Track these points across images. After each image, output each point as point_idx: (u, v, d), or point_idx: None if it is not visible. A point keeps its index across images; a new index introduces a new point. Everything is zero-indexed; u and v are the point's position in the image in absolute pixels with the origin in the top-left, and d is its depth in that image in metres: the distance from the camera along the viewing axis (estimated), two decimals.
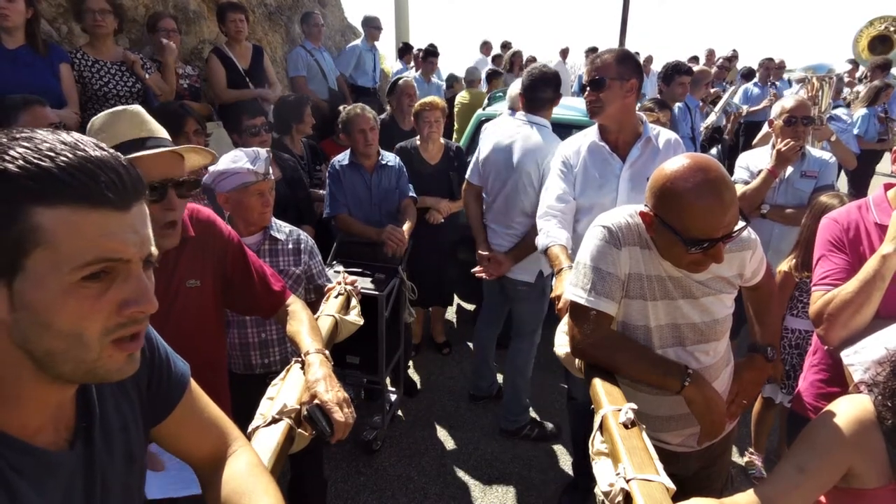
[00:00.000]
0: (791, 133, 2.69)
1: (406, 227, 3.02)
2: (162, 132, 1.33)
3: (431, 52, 6.52)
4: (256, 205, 1.96)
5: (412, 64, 6.88)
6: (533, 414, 3.26)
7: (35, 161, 0.60)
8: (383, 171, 3.12)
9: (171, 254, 1.41)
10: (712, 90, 5.93)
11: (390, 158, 3.16)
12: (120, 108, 1.31)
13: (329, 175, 3.11)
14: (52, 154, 0.61)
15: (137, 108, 1.33)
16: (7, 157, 0.59)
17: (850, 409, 1.19)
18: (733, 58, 8.81)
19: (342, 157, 3.13)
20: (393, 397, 3.15)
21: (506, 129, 2.84)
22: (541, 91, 2.76)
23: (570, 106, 4.68)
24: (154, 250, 0.70)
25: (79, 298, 0.63)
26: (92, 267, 0.62)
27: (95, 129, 1.29)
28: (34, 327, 0.62)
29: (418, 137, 3.46)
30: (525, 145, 2.74)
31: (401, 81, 4.22)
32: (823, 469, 1.16)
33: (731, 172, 2.97)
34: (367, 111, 3.04)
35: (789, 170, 2.77)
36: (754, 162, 2.87)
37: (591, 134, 2.23)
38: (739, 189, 2.70)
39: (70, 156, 0.61)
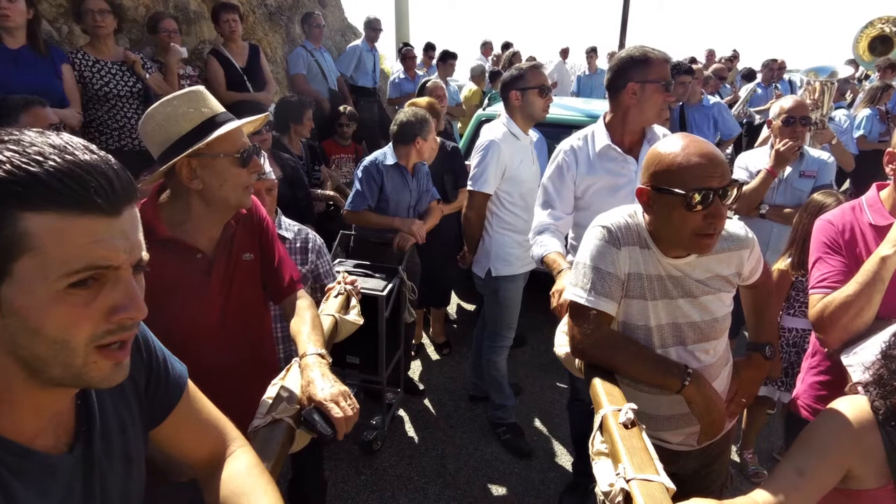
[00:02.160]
0: (789, 133, 2.70)
1: (427, 224, 3.10)
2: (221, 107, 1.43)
3: (451, 55, 6.54)
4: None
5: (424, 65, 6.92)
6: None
7: (23, 165, 0.59)
8: (418, 173, 3.13)
9: (230, 229, 1.47)
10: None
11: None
12: (192, 89, 1.37)
13: (366, 172, 2.99)
14: (39, 158, 0.60)
15: (202, 89, 1.39)
16: None
17: (848, 411, 1.19)
18: (734, 58, 8.81)
19: (383, 157, 3.02)
20: (393, 397, 3.15)
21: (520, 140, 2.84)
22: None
23: (570, 106, 4.70)
24: (145, 255, 0.69)
25: (67, 305, 0.62)
26: (80, 274, 0.62)
27: (172, 111, 1.32)
28: (23, 333, 0.62)
29: None
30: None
31: (430, 83, 4.23)
32: (822, 471, 1.15)
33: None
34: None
35: (788, 170, 2.78)
36: (753, 162, 2.88)
37: (597, 136, 2.16)
38: None
39: (58, 160, 0.60)
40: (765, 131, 3.99)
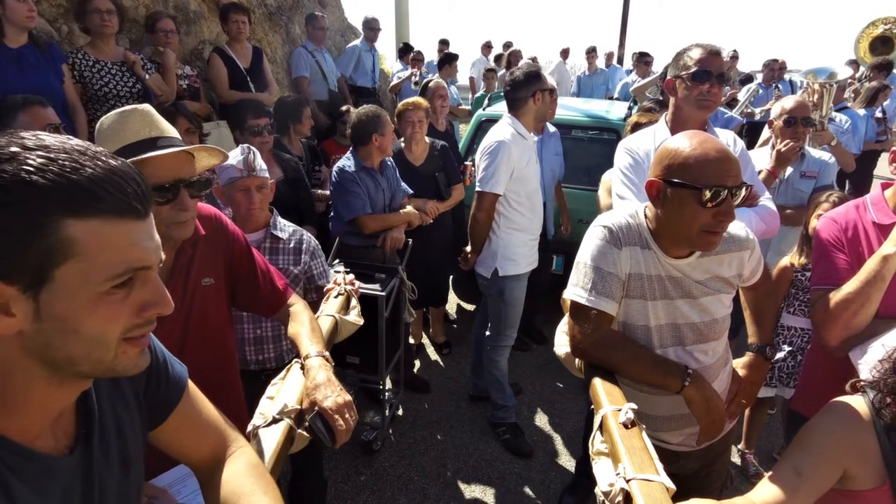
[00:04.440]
0: (790, 134, 2.69)
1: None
2: (172, 131, 1.32)
3: (453, 57, 6.54)
4: (242, 201, 1.96)
5: (418, 68, 6.94)
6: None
7: (63, 173, 0.60)
8: (386, 171, 3.12)
9: (187, 253, 1.41)
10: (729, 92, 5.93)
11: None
12: (129, 107, 1.29)
13: (342, 179, 2.97)
14: (76, 165, 0.61)
15: (147, 107, 1.31)
16: (30, 168, 0.59)
17: (845, 411, 1.20)
18: (733, 58, 8.79)
19: (349, 164, 3.00)
20: (393, 397, 3.15)
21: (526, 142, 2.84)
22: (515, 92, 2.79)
23: (569, 106, 4.70)
24: (163, 255, 0.71)
25: (108, 304, 0.64)
26: (122, 277, 0.64)
27: (105, 128, 1.28)
28: (60, 335, 0.63)
29: (402, 139, 3.44)
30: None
31: (432, 83, 4.21)
32: (820, 471, 1.16)
33: None
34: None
35: (789, 170, 2.78)
36: (754, 162, 2.87)
37: (658, 132, 2.10)
38: None
39: (94, 167, 0.62)
40: (766, 132, 3.99)
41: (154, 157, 1.22)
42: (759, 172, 2.74)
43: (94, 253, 0.62)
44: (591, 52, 9.16)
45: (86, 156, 0.63)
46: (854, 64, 8.38)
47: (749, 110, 6.30)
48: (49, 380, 0.67)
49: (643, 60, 7.51)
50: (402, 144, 3.43)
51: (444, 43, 8.00)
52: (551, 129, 3.72)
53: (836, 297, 1.52)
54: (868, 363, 1.39)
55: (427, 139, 3.47)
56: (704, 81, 1.95)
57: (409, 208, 3.17)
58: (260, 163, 1.98)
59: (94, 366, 0.67)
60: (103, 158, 0.64)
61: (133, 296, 0.67)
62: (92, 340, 0.65)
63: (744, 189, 1.35)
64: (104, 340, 0.65)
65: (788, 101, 2.79)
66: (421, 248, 3.20)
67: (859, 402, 1.20)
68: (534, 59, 8.31)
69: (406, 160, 3.40)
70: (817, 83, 3.58)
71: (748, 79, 8.06)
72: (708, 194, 1.31)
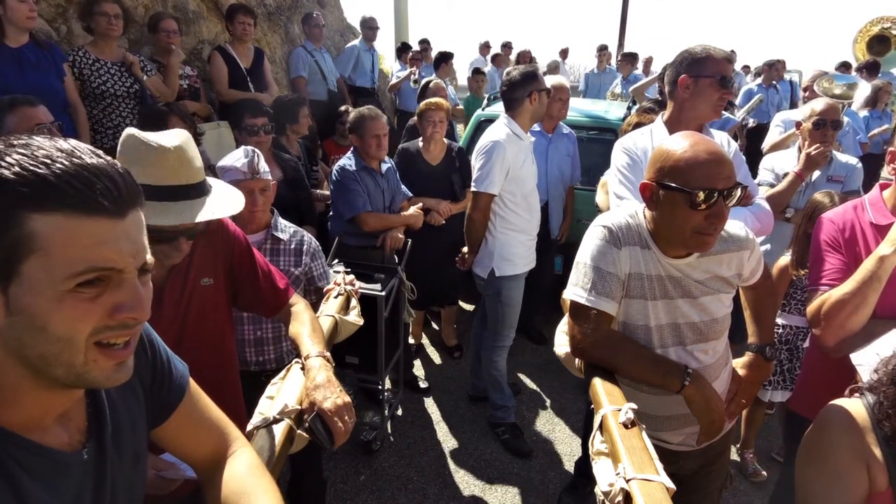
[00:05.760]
0: (819, 137, 2.63)
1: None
2: (202, 173, 1.31)
3: (449, 56, 6.53)
4: (245, 203, 1.96)
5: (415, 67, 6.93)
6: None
7: (31, 168, 0.60)
8: (387, 172, 3.13)
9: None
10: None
11: (385, 158, 3.17)
12: (167, 144, 1.25)
13: (343, 177, 2.98)
14: (47, 161, 0.61)
15: (182, 146, 1.27)
16: (3, 164, 0.59)
17: (843, 416, 1.18)
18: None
19: (350, 162, 3.03)
20: (392, 397, 3.15)
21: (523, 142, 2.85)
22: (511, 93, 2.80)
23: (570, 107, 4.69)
24: (150, 259, 0.70)
25: (74, 302, 0.63)
26: (85, 275, 0.62)
27: (130, 147, 1.24)
28: (29, 331, 0.62)
29: (421, 139, 3.45)
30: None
31: (432, 83, 4.21)
32: (854, 487, 1.14)
33: None
34: (380, 116, 3.05)
35: (816, 173, 2.73)
36: (780, 164, 2.82)
37: (656, 132, 2.08)
38: (765, 192, 2.63)
39: (66, 163, 0.61)
40: (772, 131, 3.98)
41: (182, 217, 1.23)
42: (786, 175, 2.70)
43: (57, 248, 0.61)
44: (603, 51, 9.01)
45: (63, 153, 0.62)
46: (848, 65, 8.41)
47: (744, 116, 6.32)
48: (33, 381, 0.66)
49: (627, 60, 7.62)
50: (421, 143, 3.44)
51: (424, 42, 7.93)
52: (565, 129, 3.74)
53: (832, 297, 1.52)
54: (870, 364, 1.38)
55: (445, 140, 3.48)
56: (726, 87, 1.96)
57: (412, 210, 3.17)
58: (263, 165, 1.98)
59: (66, 371, 0.65)
60: (81, 156, 0.63)
61: (105, 297, 0.65)
62: (60, 340, 0.63)
63: (738, 190, 1.34)
64: (73, 341, 0.63)
65: (819, 104, 2.72)
66: (428, 247, 3.20)
67: (856, 406, 1.19)
68: (533, 59, 8.32)
69: (423, 159, 3.41)
70: (832, 98, 3.55)
71: (762, 73, 8.11)
72: (700, 196, 1.31)
